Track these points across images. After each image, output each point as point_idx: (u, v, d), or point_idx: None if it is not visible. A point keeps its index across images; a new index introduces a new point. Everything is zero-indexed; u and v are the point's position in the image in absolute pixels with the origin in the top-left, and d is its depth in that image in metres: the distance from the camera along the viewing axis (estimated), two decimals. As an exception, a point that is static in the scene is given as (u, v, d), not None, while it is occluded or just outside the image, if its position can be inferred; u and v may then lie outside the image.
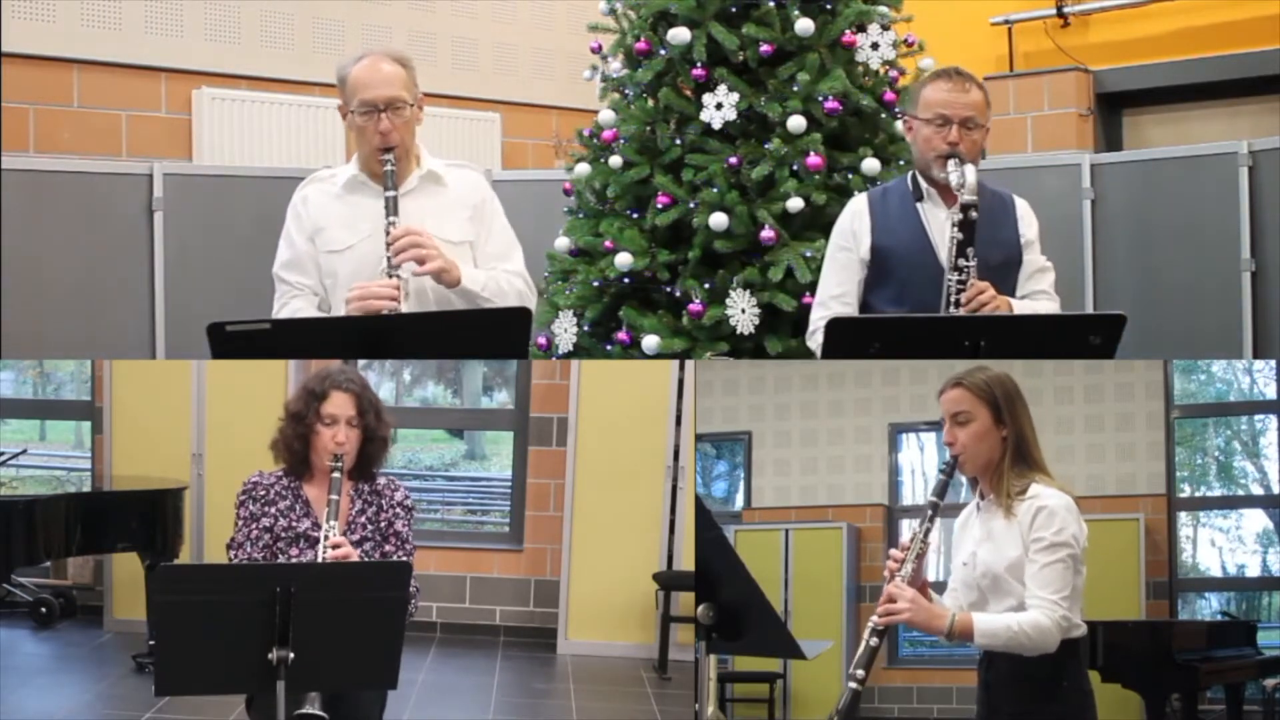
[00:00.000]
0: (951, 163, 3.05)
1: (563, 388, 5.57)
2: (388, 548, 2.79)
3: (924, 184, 3.20)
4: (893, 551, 2.44)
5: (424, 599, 5.57)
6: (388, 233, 2.95)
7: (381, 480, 2.85)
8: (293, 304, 3.10)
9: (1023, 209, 3.29)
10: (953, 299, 2.95)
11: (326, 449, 2.71)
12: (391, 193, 2.99)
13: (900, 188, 3.27)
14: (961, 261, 2.95)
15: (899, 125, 4.41)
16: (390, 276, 2.91)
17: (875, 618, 2.36)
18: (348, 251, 3.07)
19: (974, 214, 2.96)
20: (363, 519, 2.79)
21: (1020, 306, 3.12)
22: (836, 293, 3.24)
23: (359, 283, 2.94)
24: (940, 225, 3.11)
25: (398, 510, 2.82)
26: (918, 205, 3.20)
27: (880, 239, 3.19)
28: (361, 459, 2.78)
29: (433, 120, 7.06)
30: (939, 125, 3.10)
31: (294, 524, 2.76)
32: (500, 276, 3.11)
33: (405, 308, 2.91)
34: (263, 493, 2.78)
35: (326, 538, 2.61)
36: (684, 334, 4.28)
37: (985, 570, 2.41)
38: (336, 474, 2.68)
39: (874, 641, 2.34)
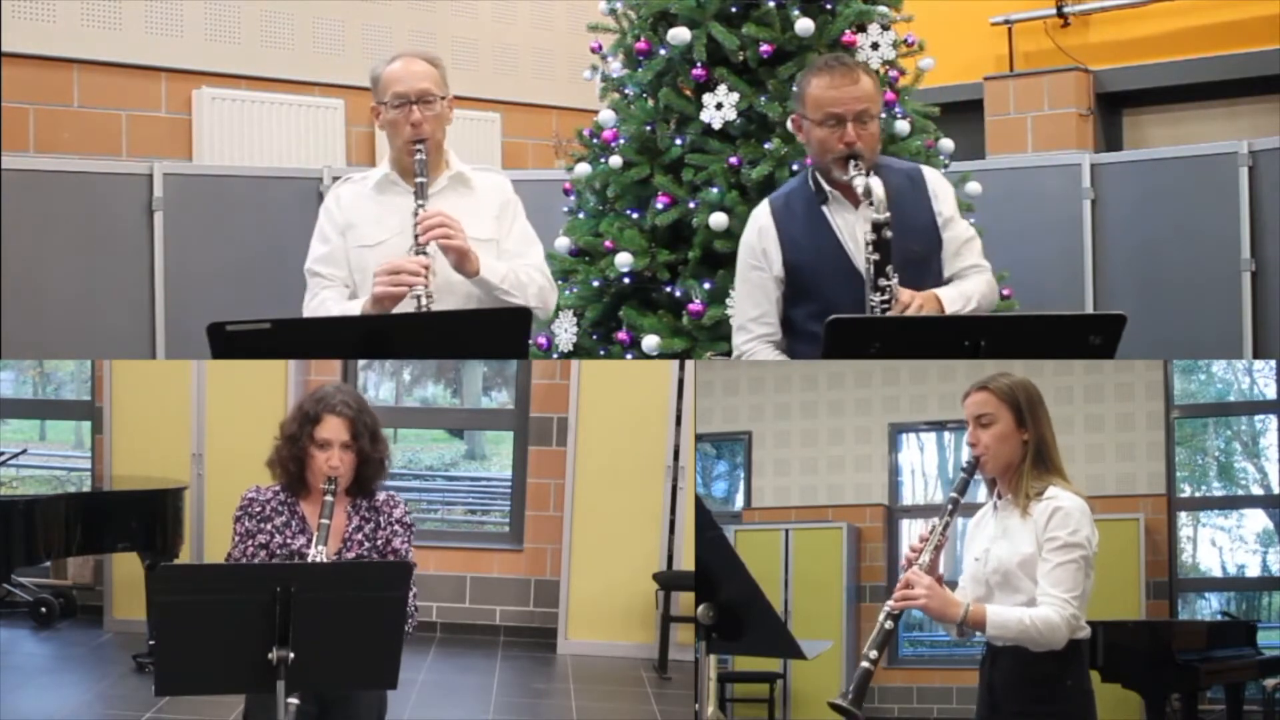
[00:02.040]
0: (854, 165, 2.89)
1: (563, 388, 5.57)
2: None
3: (826, 186, 3.02)
4: (911, 542, 2.48)
5: (424, 599, 5.60)
6: (416, 214, 3.01)
7: (381, 496, 2.83)
8: (323, 294, 3.15)
9: (933, 182, 3.11)
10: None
11: (321, 471, 2.71)
12: (422, 179, 3.06)
13: (802, 191, 3.08)
14: (882, 281, 2.83)
15: (899, 124, 4.41)
16: (418, 254, 2.97)
17: (891, 602, 2.39)
18: (378, 247, 3.12)
19: (888, 232, 2.82)
20: (360, 536, 2.78)
21: (948, 297, 2.99)
22: (755, 314, 3.08)
23: (386, 262, 2.98)
24: (851, 228, 2.99)
25: (396, 527, 2.81)
26: (824, 210, 3.02)
27: (793, 255, 3.03)
28: (358, 479, 2.77)
29: (433, 120, 7.08)
30: (832, 126, 2.92)
31: (289, 541, 2.75)
32: (520, 269, 3.16)
33: (434, 295, 2.94)
34: (259, 509, 2.77)
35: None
36: (684, 334, 4.28)
37: (997, 566, 2.45)
38: (329, 497, 2.67)
39: (888, 625, 2.38)
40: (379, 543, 2.79)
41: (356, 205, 3.20)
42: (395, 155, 3.20)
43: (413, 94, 3.10)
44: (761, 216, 3.10)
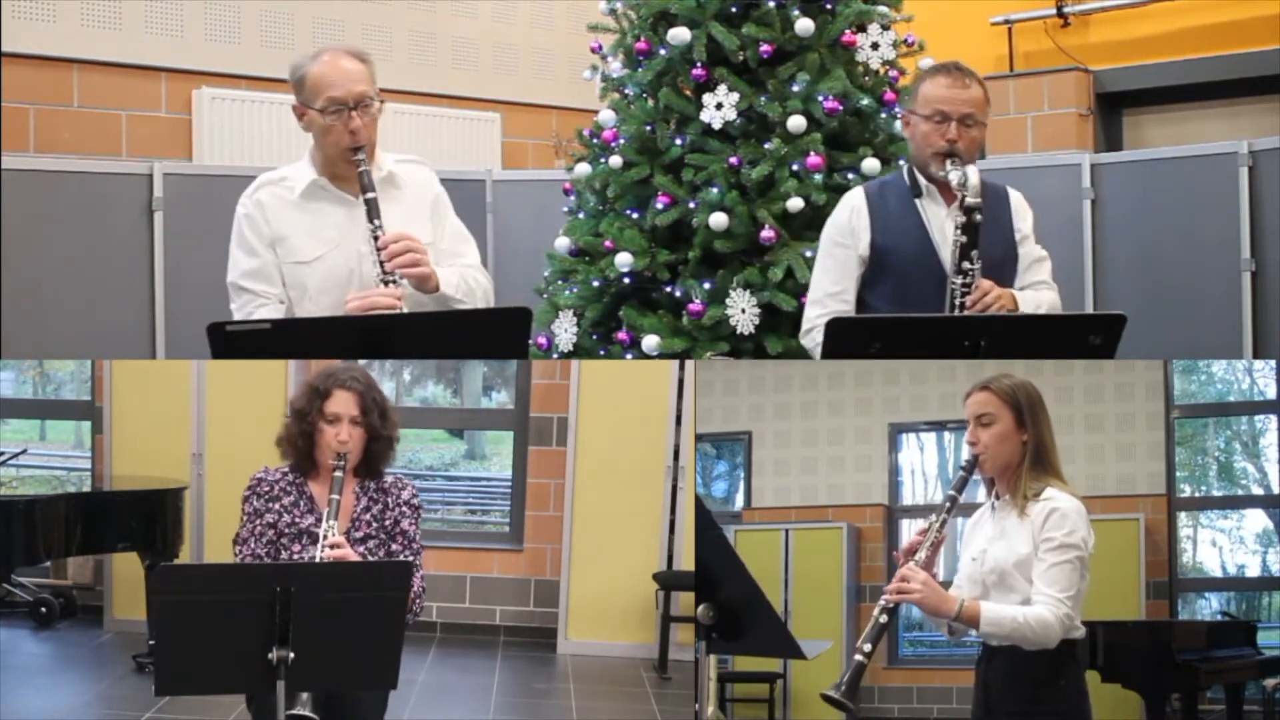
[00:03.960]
0: (950, 162, 3.02)
1: (563, 388, 5.57)
2: (394, 546, 2.77)
3: (922, 180, 3.16)
4: (912, 536, 2.50)
5: (424, 599, 5.60)
6: (376, 238, 2.89)
7: (389, 478, 2.83)
8: (259, 314, 3.01)
9: (1017, 201, 3.26)
10: (958, 302, 2.94)
11: (329, 447, 2.70)
12: (372, 194, 2.92)
13: (897, 183, 3.22)
14: (966, 265, 2.93)
15: (899, 124, 4.42)
16: (388, 284, 2.87)
17: (885, 595, 2.41)
18: (316, 262, 3.01)
19: (978, 216, 2.93)
20: (368, 516, 2.78)
21: (1023, 299, 3.11)
22: (834, 290, 3.18)
23: (359, 292, 2.91)
24: (940, 223, 3.11)
25: (404, 509, 2.80)
26: (916, 202, 3.16)
27: (880, 237, 3.15)
28: (367, 457, 2.76)
29: (433, 120, 7.08)
30: (938, 122, 3.07)
31: (297, 520, 2.75)
32: (466, 274, 3.08)
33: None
34: (267, 489, 2.77)
35: (325, 537, 2.60)
36: (684, 334, 4.28)
37: (994, 566, 2.46)
38: (339, 473, 2.67)
39: (883, 619, 2.40)
40: (387, 524, 2.78)
41: (284, 215, 3.04)
42: (325, 160, 3.03)
43: (350, 99, 2.93)
44: (854, 198, 3.22)
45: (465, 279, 3.07)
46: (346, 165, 2.96)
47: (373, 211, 2.91)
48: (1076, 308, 5.62)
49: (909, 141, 3.21)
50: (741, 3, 4.36)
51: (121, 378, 5.44)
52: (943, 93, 3.10)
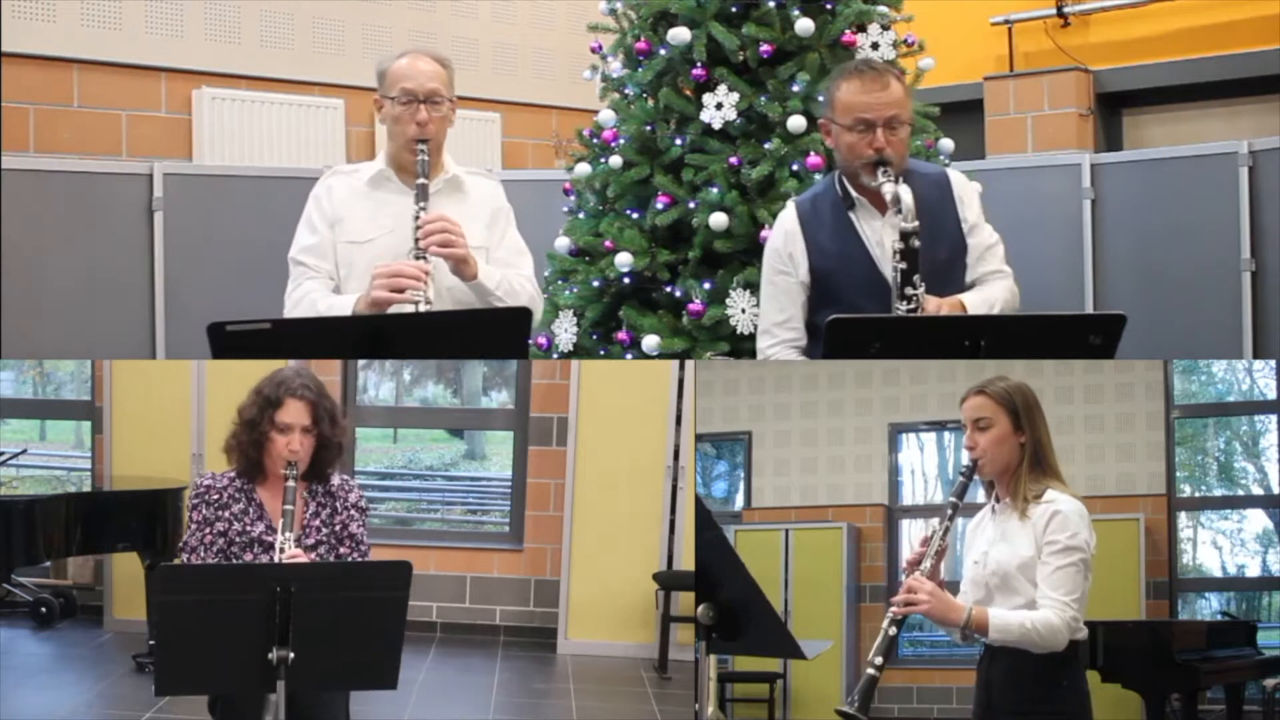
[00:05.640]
0: (882, 172, 2.88)
1: (563, 388, 5.57)
2: (343, 550, 2.76)
3: (853, 192, 3.02)
4: (913, 544, 2.49)
5: (424, 599, 5.61)
6: (417, 218, 2.99)
7: (335, 480, 2.82)
8: (306, 284, 3.12)
9: (959, 186, 3.11)
10: None
11: (280, 456, 2.69)
12: (423, 180, 3.03)
13: (829, 195, 3.07)
14: (909, 290, 2.82)
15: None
16: (419, 259, 2.95)
17: (894, 608, 2.41)
18: (368, 244, 3.10)
19: (916, 241, 2.81)
20: (317, 522, 2.77)
21: (970, 301, 2.99)
22: (780, 319, 3.09)
23: (385, 262, 2.97)
24: (878, 234, 2.99)
25: (352, 512, 2.80)
26: (850, 216, 3.02)
27: (819, 260, 3.03)
28: (316, 462, 2.75)
29: (433, 120, 7.08)
30: (861, 131, 2.91)
31: (248, 528, 2.73)
32: (514, 278, 3.16)
33: (431, 299, 2.93)
34: (215, 496, 2.75)
35: (282, 550, 2.58)
36: (684, 334, 4.28)
37: (996, 569, 2.46)
38: (291, 483, 2.65)
39: (892, 631, 2.40)
40: (336, 528, 2.77)
41: (348, 199, 3.16)
42: (394, 151, 3.17)
43: (421, 93, 3.08)
44: (788, 221, 3.09)
45: (510, 281, 3.13)
46: (411, 156, 3.08)
47: (420, 195, 3.02)
48: (1076, 307, 5.63)
49: (834, 151, 3.05)
50: (741, 3, 4.36)
51: (121, 378, 5.44)
52: (861, 98, 2.91)
